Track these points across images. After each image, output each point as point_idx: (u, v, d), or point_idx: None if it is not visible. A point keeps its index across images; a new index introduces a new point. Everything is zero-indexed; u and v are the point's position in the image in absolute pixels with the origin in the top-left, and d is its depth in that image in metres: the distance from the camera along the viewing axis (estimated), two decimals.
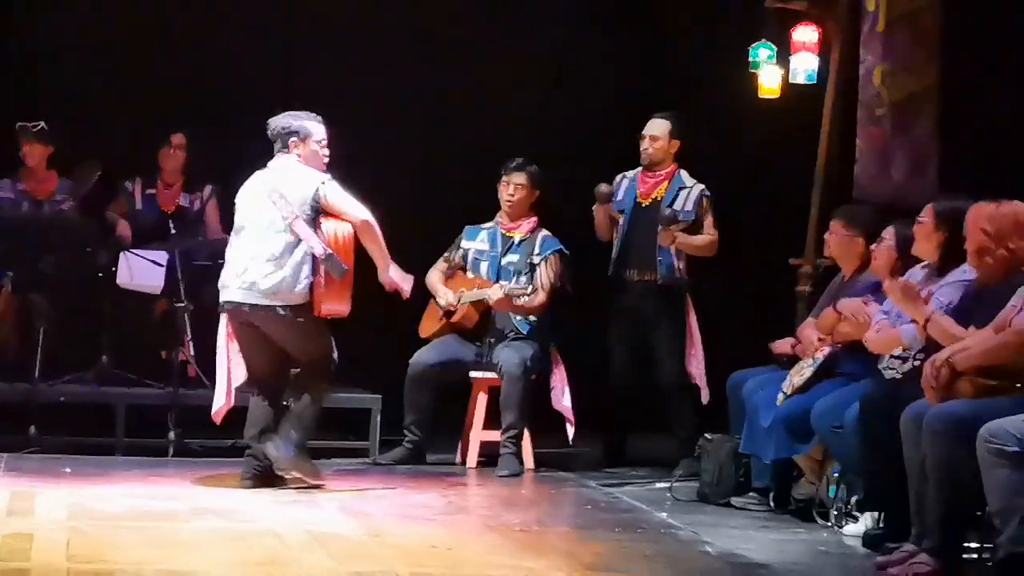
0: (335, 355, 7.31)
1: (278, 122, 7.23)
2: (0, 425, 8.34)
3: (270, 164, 7.28)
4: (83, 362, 8.73)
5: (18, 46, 9.97)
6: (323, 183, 7.13)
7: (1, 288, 8.95)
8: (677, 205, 8.32)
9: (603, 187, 8.48)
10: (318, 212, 7.09)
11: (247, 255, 7.10)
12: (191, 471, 7.89)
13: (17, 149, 9.02)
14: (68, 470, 7.59)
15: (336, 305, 7.27)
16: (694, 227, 8.38)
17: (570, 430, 8.61)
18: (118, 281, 8.86)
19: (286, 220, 7.02)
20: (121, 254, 8.89)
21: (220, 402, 7.32)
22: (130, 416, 8.51)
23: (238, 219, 7.29)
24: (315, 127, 7.25)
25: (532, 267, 8.45)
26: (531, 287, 8.36)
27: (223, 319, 7.33)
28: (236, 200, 7.34)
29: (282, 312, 7.01)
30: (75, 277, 8.90)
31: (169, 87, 9.80)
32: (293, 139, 7.18)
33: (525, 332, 8.40)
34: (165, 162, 9.22)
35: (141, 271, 8.81)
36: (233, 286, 7.09)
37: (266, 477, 7.20)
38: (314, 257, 7.01)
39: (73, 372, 8.67)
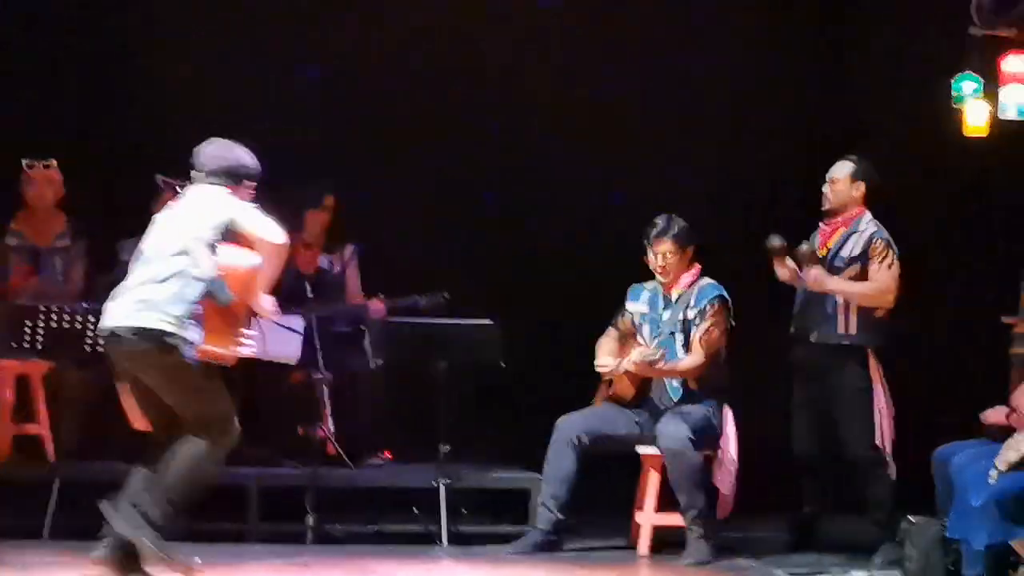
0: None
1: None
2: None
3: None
4: None
5: (146, 103, 9.43)
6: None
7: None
8: (845, 251, 7.47)
9: (775, 240, 7.56)
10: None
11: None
12: (332, 560, 7.14)
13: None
14: (198, 560, 6.49)
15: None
16: (864, 275, 7.51)
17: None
18: (252, 351, 8.59)
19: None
20: (253, 320, 8.42)
21: None
22: (264, 499, 7.88)
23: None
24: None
25: (687, 323, 7.55)
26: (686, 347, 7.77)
27: None
28: None
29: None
30: None
31: (309, 147, 9.17)
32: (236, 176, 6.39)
33: (676, 400, 7.50)
34: (312, 223, 8.47)
35: (275, 339, 7.97)
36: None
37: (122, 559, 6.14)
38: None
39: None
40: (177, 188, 8.17)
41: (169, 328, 5.70)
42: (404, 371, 8.43)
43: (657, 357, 7.42)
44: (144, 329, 5.68)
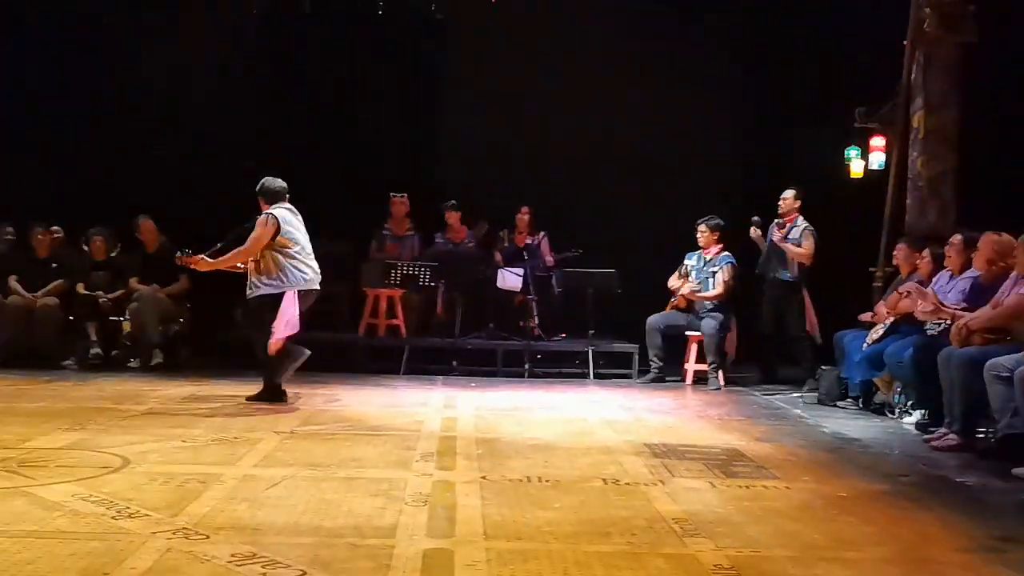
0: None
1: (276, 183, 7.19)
2: (438, 361, 9.39)
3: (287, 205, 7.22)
4: (479, 325, 9.70)
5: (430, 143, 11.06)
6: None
7: (441, 292, 10.07)
8: (791, 234, 8.94)
9: (755, 220, 9.33)
10: None
11: (312, 258, 7.30)
12: (541, 386, 8.90)
13: (441, 216, 10.24)
14: (473, 385, 8.68)
15: None
16: (800, 246, 8.84)
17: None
18: (497, 284, 9.92)
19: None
20: (499, 270, 9.98)
21: (280, 339, 7.12)
22: (505, 357, 9.63)
23: (301, 238, 7.30)
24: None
25: (713, 274, 9.25)
26: (713, 286, 9.13)
27: (294, 294, 7.16)
28: (292, 227, 7.28)
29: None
30: (476, 282, 9.84)
31: (516, 174, 10.84)
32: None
33: (709, 310, 9.08)
34: (520, 221, 10.31)
35: (509, 278, 9.95)
36: (315, 278, 7.31)
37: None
38: None
39: (474, 331, 9.62)
40: (452, 206, 10.24)
41: None
42: (569, 294, 10.05)
43: (698, 288, 9.19)
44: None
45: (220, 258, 7.12)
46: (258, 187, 7.25)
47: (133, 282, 9.35)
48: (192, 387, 7.93)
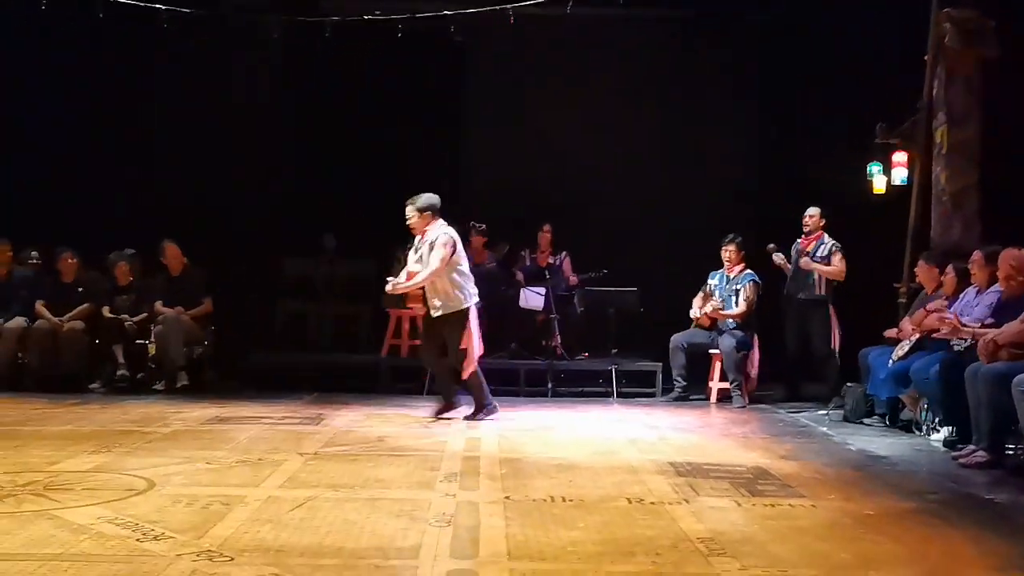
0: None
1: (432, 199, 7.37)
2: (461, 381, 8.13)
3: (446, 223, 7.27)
4: (502, 345, 9.76)
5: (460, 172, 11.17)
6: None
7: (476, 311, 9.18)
8: (818, 252, 9.01)
9: (771, 248, 9.32)
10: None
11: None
12: (564, 405, 8.86)
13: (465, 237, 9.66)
14: (496, 405, 8.01)
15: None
16: (827, 264, 8.90)
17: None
18: (520, 304, 10.01)
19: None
20: (521, 290, 10.09)
21: (472, 363, 7.47)
22: (528, 376, 9.65)
23: (464, 262, 7.50)
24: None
25: (737, 292, 9.25)
26: (736, 304, 9.13)
27: (476, 312, 7.44)
28: (460, 246, 7.46)
29: None
30: (497, 302, 9.80)
31: (538, 194, 10.99)
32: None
33: (731, 328, 9.11)
34: (542, 241, 10.46)
35: (531, 298, 10.02)
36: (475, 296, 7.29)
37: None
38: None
39: (497, 351, 9.57)
40: (478, 228, 10.24)
41: None
42: (591, 313, 10.08)
43: (721, 307, 9.15)
44: None
45: (412, 281, 7.48)
46: (421, 203, 7.45)
47: (158, 306, 9.47)
48: (216, 409, 7.97)
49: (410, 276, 7.44)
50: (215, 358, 9.52)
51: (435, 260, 7.23)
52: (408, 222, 7.46)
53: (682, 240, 10.37)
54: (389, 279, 7.49)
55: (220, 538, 4.08)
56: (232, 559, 3.82)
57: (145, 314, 9.37)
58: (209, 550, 3.92)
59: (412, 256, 7.45)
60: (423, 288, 7.46)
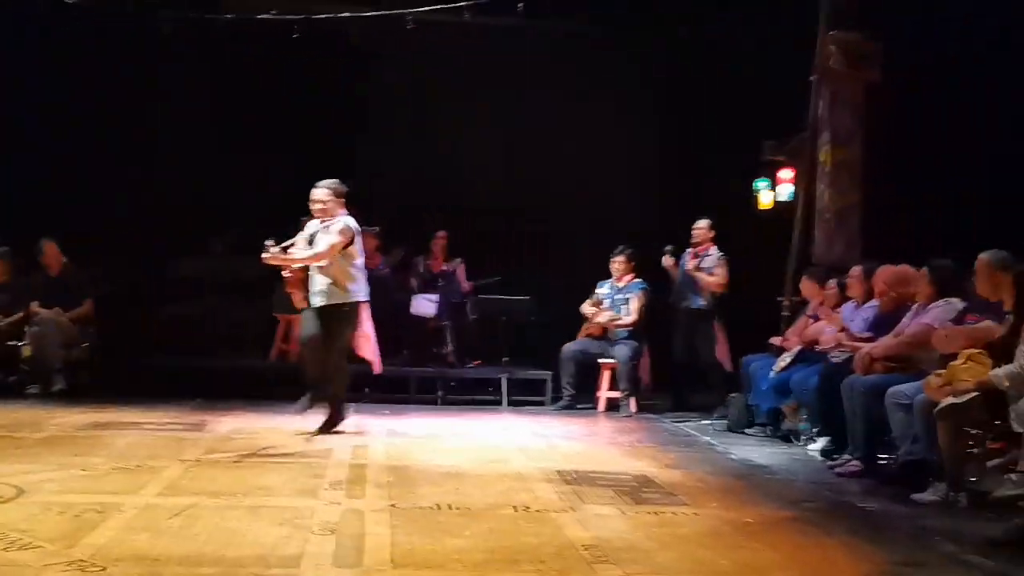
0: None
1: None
2: (351, 388, 8.03)
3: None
4: (393, 352, 9.26)
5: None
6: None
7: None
8: (705, 263, 9.11)
9: (665, 258, 9.44)
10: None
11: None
12: (454, 413, 8.86)
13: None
14: (387, 411, 8.62)
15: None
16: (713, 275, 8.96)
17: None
18: (411, 310, 9.96)
19: None
20: (412, 296, 10.03)
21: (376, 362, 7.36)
22: (418, 384, 9.67)
23: (360, 258, 7.23)
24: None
25: (627, 300, 9.36)
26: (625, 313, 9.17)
27: (367, 310, 7.18)
28: (359, 241, 7.19)
29: None
30: (389, 308, 9.31)
31: (433, 200, 11.04)
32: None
33: (623, 337, 9.19)
34: (436, 248, 10.34)
35: (423, 305, 10.01)
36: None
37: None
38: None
39: (388, 358, 8.51)
40: (374, 233, 9.61)
41: None
42: (484, 320, 10.11)
43: (617, 317, 9.26)
44: None
45: (291, 257, 7.04)
46: (328, 188, 7.14)
47: (34, 305, 9.07)
48: (95, 414, 7.71)
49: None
50: (96, 362, 9.23)
51: (322, 244, 6.89)
52: (320, 206, 7.10)
53: (576, 250, 10.51)
54: (267, 243, 6.95)
55: (93, 547, 3.94)
56: (104, 569, 3.69)
57: (20, 314, 9.00)
58: (81, 560, 3.78)
59: (302, 237, 7.16)
60: (306, 273, 7.07)
